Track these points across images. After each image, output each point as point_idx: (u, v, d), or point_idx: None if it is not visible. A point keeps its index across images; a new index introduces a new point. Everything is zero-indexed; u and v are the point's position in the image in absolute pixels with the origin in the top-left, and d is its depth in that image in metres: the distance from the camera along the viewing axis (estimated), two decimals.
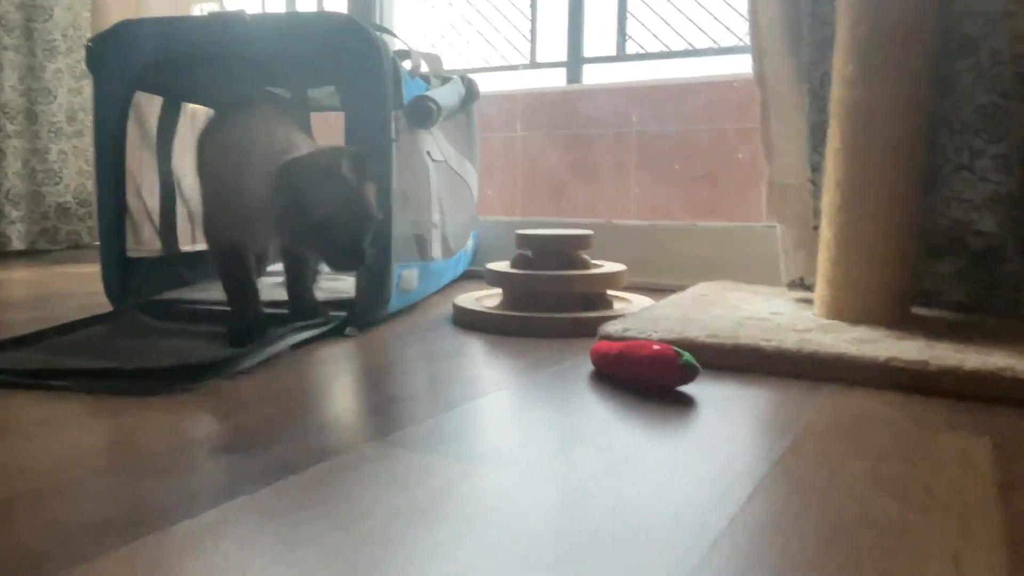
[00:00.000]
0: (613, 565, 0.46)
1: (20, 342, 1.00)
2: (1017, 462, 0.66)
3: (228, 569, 0.45)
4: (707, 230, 1.75)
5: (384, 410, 0.81)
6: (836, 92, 1.15)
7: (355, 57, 1.19)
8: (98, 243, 1.31)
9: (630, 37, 2.33)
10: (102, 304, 1.29)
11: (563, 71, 2.45)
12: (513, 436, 0.72)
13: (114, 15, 2.50)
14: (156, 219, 1.49)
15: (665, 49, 2.28)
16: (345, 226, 1.00)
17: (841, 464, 0.65)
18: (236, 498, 0.56)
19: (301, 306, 1.19)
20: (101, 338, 1.08)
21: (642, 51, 2.32)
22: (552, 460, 0.65)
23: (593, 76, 2.40)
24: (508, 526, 0.52)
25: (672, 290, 1.50)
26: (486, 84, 2.11)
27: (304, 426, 0.74)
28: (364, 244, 1.01)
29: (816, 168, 1.26)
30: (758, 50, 1.33)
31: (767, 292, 1.43)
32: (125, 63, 1.25)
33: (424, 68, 1.55)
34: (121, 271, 1.29)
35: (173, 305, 1.26)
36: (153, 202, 1.48)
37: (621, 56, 2.38)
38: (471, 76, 1.81)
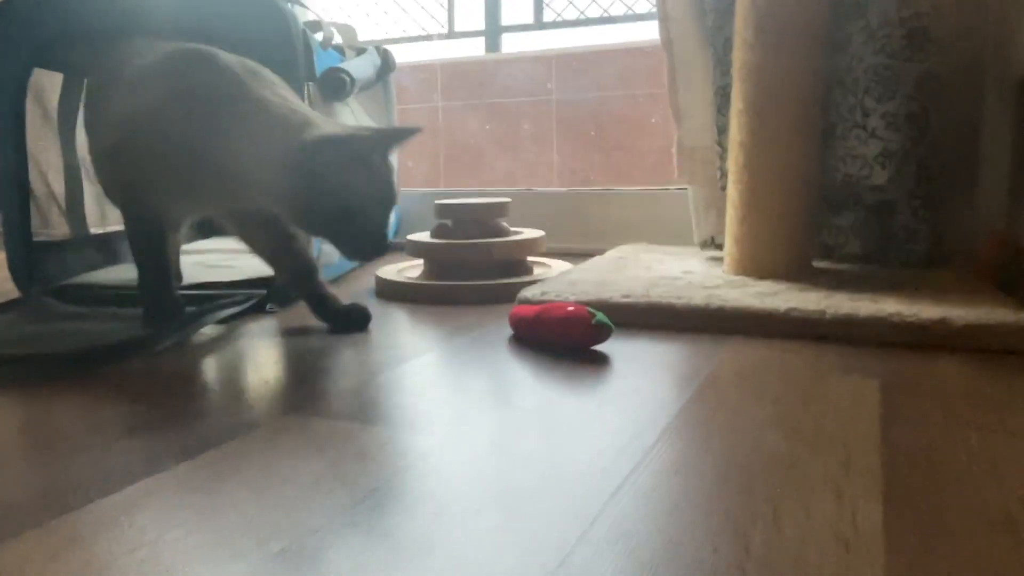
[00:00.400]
0: (522, 512, 0.49)
1: None
2: (900, 399, 0.71)
3: (144, 541, 0.46)
4: (624, 194, 1.79)
5: (305, 381, 0.81)
6: (737, 56, 1.19)
7: (264, 28, 1.17)
8: (1, 229, 1.27)
9: (547, 5, 2.34)
10: (8, 291, 1.25)
11: (482, 40, 2.45)
12: (432, 400, 0.74)
13: None
14: (62, 202, 1.44)
15: (581, 16, 2.31)
16: (371, 214, 0.92)
17: (741, 408, 0.69)
18: (154, 474, 0.56)
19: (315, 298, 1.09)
20: (9, 325, 1.05)
21: (559, 19, 2.34)
22: (469, 420, 0.67)
23: (512, 44, 2.41)
24: (425, 484, 0.54)
25: (591, 254, 1.53)
26: (404, 55, 2.10)
27: (224, 401, 0.75)
28: (387, 231, 0.95)
29: (722, 130, 1.30)
30: (664, 16, 1.36)
31: (681, 252, 1.48)
32: (21, 38, 1.20)
33: (337, 39, 1.54)
34: (27, 256, 1.25)
35: (83, 289, 1.23)
36: (58, 184, 1.43)
37: (538, 24, 2.39)
38: (387, 47, 1.80)
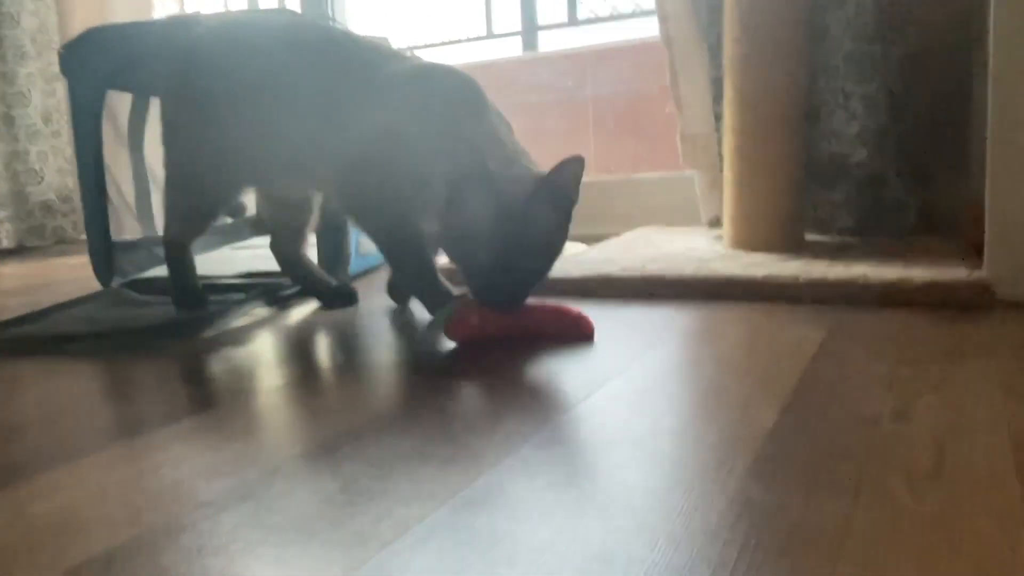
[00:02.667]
0: (514, 393, 0.62)
1: (27, 319, 1.15)
2: (836, 343, 0.82)
3: (166, 461, 0.61)
4: (643, 181, 1.90)
5: (339, 347, 0.96)
6: (727, 49, 1.30)
7: None
8: (83, 236, 1.45)
9: (581, 2, 2.47)
10: (92, 287, 1.43)
11: (519, 40, 2.58)
12: (435, 354, 0.88)
13: (79, 18, 2.61)
14: (133, 207, 1.62)
15: (614, 12, 2.43)
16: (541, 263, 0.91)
17: (695, 353, 0.81)
18: (187, 418, 0.71)
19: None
20: (93, 311, 1.22)
21: (592, 15, 2.47)
22: (463, 376, 0.81)
23: (549, 43, 2.53)
24: (432, 420, 0.68)
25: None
26: (444, 58, 2.24)
27: (272, 360, 0.90)
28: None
29: (719, 118, 1.41)
30: (663, 14, 1.48)
31: (691, 232, 1.59)
32: (96, 66, 1.38)
33: None
34: (107, 255, 1.43)
35: (154, 281, 1.41)
36: (129, 192, 1.62)
37: (572, 21, 2.52)
38: (417, 52, 1.95)
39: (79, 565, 0.42)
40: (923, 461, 0.51)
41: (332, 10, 2.58)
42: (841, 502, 0.45)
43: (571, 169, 0.88)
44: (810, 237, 1.38)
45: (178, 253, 1.16)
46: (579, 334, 0.90)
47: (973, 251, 1.20)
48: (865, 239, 1.36)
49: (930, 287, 0.99)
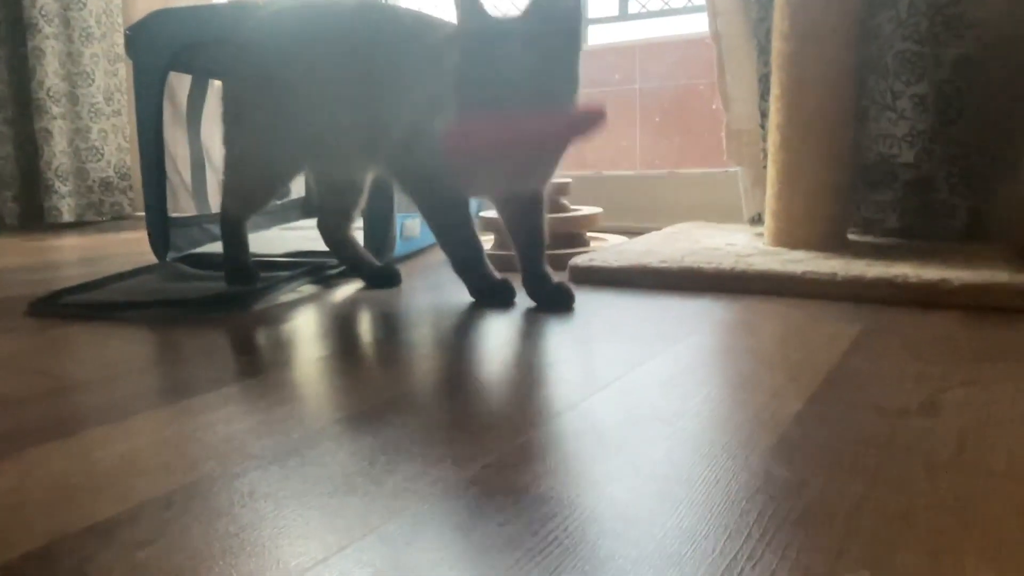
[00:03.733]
0: (544, 377, 0.65)
1: (85, 287, 1.21)
2: (870, 340, 0.83)
3: (218, 420, 0.64)
4: (686, 176, 1.91)
5: (380, 324, 1.00)
6: (775, 46, 1.30)
7: None
8: (139, 213, 1.51)
9: None
10: (146, 260, 1.49)
11: None
12: (476, 332, 0.91)
13: (142, 1, 2.69)
14: (189, 185, 1.69)
15: (666, 6, 2.43)
16: None
17: (729, 343, 0.83)
18: (233, 384, 0.75)
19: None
20: (149, 283, 1.28)
21: (643, 10, 2.47)
22: (500, 354, 0.84)
23: (599, 36, 2.55)
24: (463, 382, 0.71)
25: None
26: None
27: (305, 336, 0.94)
28: None
29: (765, 114, 1.41)
30: (713, 11, 1.48)
31: (733, 228, 1.59)
32: (160, 48, 1.43)
33: None
34: (164, 230, 1.49)
35: (206, 257, 1.46)
36: (186, 171, 1.68)
37: (623, 15, 2.53)
38: None
39: (143, 503, 0.46)
40: (944, 452, 0.52)
41: None
42: (859, 483, 0.47)
43: None
44: (855, 238, 1.38)
45: (233, 229, 1.20)
46: (589, 127, 0.94)
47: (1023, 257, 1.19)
48: (911, 241, 1.35)
49: (969, 289, 0.99)
